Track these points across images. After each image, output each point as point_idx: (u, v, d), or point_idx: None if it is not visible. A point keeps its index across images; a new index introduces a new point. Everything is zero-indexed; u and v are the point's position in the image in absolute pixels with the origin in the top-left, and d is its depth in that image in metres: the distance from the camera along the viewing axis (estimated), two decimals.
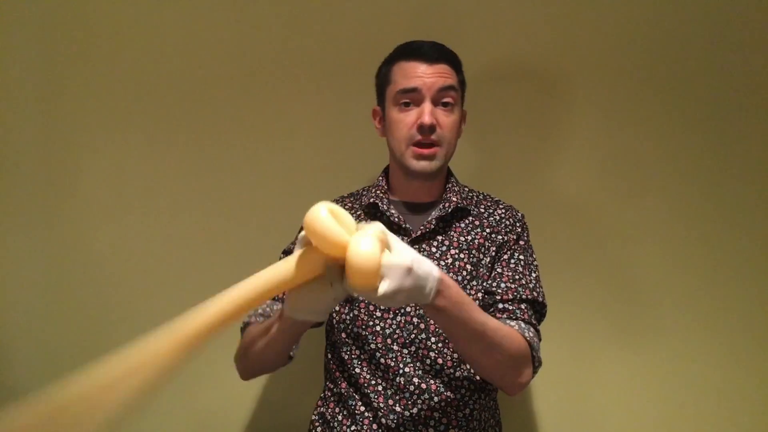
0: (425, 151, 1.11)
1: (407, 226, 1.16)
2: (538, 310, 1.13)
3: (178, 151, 1.52)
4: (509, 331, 1.01)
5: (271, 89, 1.51)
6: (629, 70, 1.49)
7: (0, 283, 1.50)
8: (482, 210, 1.21)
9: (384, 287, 0.78)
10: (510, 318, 1.08)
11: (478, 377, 1.13)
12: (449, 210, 1.16)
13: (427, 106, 1.11)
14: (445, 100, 1.12)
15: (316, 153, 1.52)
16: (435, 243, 1.16)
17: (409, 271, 0.80)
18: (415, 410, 1.09)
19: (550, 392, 1.49)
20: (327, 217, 0.75)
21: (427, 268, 0.84)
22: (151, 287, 1.50)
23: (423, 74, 1.11)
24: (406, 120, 1.12)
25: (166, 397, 1.49)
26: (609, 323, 1.49)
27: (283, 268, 0.80)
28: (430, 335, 1.11)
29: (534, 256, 1.20)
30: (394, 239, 0.83)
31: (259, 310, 1.17)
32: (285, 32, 1.51)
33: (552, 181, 1.51)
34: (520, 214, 1.23)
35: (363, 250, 0.75)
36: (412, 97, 1.12)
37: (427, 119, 1.09)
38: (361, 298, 1.13)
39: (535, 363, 1.05)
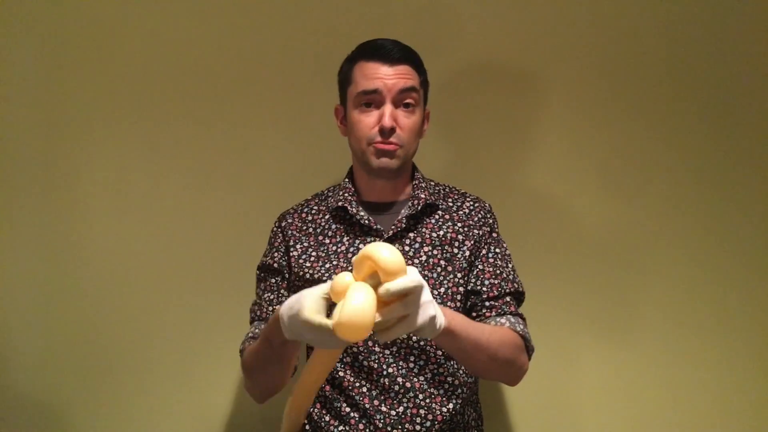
0: (386, 147, 1.11)
1: (378, 227, 1.15)
2: (519, 298, 1.18)
3: (178, 152, 1.50)
4: (504, 333, 1.06)
5: (272, 90, 1.50)
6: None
7: (0, 283, 1.50)
8: (450, 203, 1.21)
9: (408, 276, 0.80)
10: (498, 314, 1.12)
11: (460, 372, 1.15)
12: (419, 207, 1.15)
13: (387, 108, 1.10)
14: (407, 101, 1.12)
15: (318, 153, 1.50)
16: (407, 241, 1.15)
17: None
18: (401, 409, 1.10)
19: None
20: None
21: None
22: (151, 287, 1.50)
23: (384, 76, 1.10)
24: (366, 121, 1.12)
25: (165, 398, 1.50)
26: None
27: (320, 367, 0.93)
28: (411, 333, 1.11)
29: (505, 245, 1.22)
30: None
31: (250, 334, 1.18)
32: (285, 33, 1.50)
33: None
34: (488, 205, 1.24)
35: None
36: (372, 99, 1.12)
37: (387, 122, 1.09)
38: None
39: (530, 352, 1.12)
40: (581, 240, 1.50)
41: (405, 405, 1.10)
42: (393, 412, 1.10)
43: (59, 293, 1.50)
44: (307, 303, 0.81)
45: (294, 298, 0.86)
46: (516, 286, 1.17)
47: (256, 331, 1.17)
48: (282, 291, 1.20)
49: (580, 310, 1.49)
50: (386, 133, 1.10)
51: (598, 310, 1.50)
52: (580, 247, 1.50)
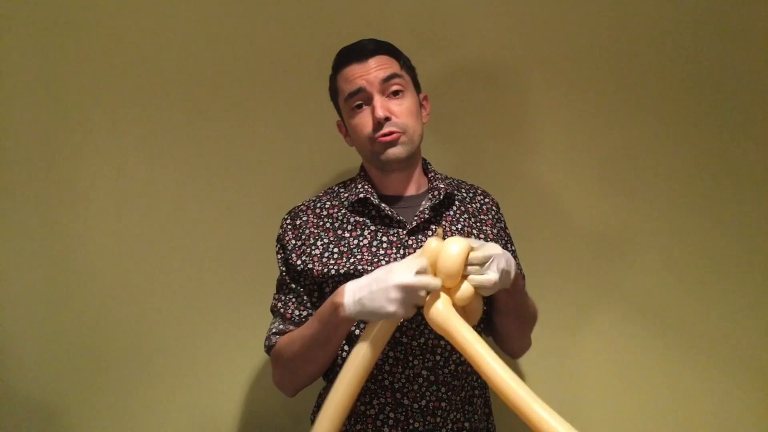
0: (388, 138, 1.11)
1: (401, 218, 1.15)
2: None
3: (178, 152, 1.50)
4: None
5: (271, 90, 1.50)
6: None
7: (0, 284, 1.48)
8: (464, 194, 1.24)
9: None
10: None
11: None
12: (440, 197, 1.16)
13: (377, 100, 1.11)
14: (394, 88, 1.13)
15: (317, 153, 1.50)
16: (429, 233, 1.15)
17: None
18: (423, 402, 1.09)
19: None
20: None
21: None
22: (150, 286, 1.49)
23: (363, 73, 1.12)
24: (363, 121, 1.14)
25: (165, 398, 1.49)
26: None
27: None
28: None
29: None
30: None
31: (273, 330, 1.16)
32: (285, 32, 1.50)
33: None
34: (496, 200, 1.30)
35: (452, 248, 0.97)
36: (361, 98, 1.13)
37: (379, 112, 1.10)
38: None
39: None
40: (580, 234, 1.53)
41: (428, 398, 1.10)
42: (415, 405, 1.10)
43: (59, 293, 1.48)
44: (401, 267, 0.94)
45: (376, 273, 0.97)
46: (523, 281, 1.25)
47: (281, 326, 1.15)
48: (300, 289, 1.17)
49: (580, 305, 1.52)
50: (381, 122, 1.10)
51: (597, 304, 1.52)
52: (580, 241, 1.53)
